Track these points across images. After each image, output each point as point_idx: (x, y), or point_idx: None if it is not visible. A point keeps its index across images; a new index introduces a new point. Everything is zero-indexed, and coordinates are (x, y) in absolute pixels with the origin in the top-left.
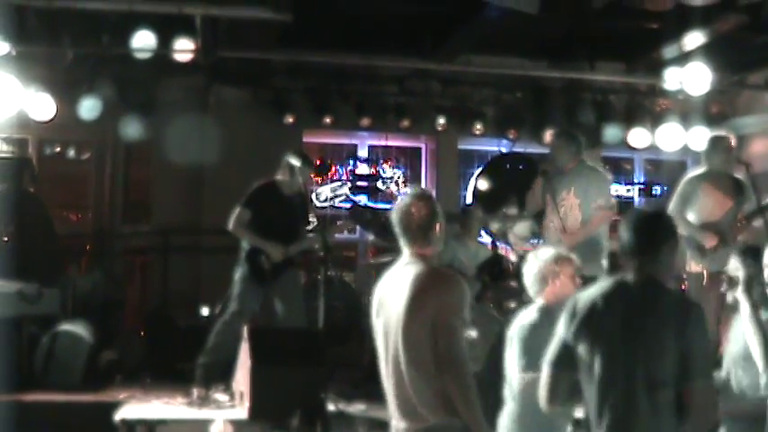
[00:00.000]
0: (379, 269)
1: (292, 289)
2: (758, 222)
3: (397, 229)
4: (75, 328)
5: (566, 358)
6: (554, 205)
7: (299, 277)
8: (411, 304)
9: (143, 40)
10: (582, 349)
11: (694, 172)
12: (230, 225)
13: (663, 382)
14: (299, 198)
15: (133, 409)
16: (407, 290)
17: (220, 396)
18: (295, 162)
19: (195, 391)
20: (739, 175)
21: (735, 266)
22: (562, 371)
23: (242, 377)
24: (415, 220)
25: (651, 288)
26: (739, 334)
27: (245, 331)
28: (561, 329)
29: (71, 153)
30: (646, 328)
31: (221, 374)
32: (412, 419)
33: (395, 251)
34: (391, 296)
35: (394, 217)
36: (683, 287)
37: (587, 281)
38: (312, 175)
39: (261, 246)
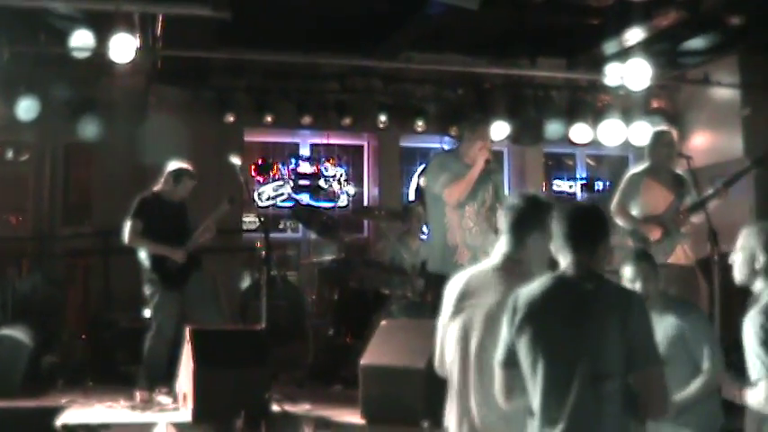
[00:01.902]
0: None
1: (203, 289)
2: (699, 215)
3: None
4: (15, 333)
5: (513, 356)
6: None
7: (206, 276)
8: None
9: (81, 40)
10: (523, 346)
11: (636, 168)
12: (126, 238)
13: (608, 375)
14: (180, 206)
15: (75, 413)
16: (506, 294)
17: (163, 398)
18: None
19: (138, 394)
20: (681, 168)
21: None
22: (513, 369)
23: (185, 379)
24: (512, 218)
25: (591, 281)
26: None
27: (186, 333)
28: (505, 328)
29: (9, 154)
30: (588, 321)
31: (163, 377)
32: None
33: (337, 250)
34: (483, 293)
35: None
36: None
37: None
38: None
39: (162, 251)
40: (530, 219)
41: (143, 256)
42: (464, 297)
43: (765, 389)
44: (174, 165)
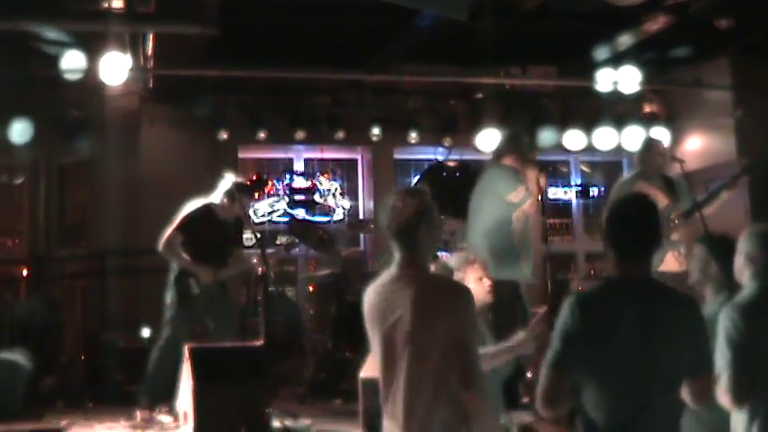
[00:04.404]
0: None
1: (224, 312)
2: (693, 220)
3: (387, 232)
4: (14, 356)
5: (567, 361)
6: None
7: (231, 300)
8: (421, 319)
9: (73, 62)
10: (586, 352)
11: (628, 174)
12: (161, 246)
13: (675, 379)
14: (234, 222)
15: None
16: (415, 303)
17: (164, 417)
18: (231, 179)
19: (138, 414)
20: (674, 172)
21: None
22: (564, 374)
23: (185, 397)
24: (404, 219)
25: (649, 286)
26: None
27: (185, 351)
28: (560, 332)
29: (3, 178)
30: (652, 326)
31: (164, 396)
32: None
33: (334, 264)
34: (393, 308)
35: (382, 218)
36: None
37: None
38: (245, 199)
39: (190, 269)
40: (413, 216)
41: (174, 265)
42: (380, 310)
43: None
44: (229, 180)
